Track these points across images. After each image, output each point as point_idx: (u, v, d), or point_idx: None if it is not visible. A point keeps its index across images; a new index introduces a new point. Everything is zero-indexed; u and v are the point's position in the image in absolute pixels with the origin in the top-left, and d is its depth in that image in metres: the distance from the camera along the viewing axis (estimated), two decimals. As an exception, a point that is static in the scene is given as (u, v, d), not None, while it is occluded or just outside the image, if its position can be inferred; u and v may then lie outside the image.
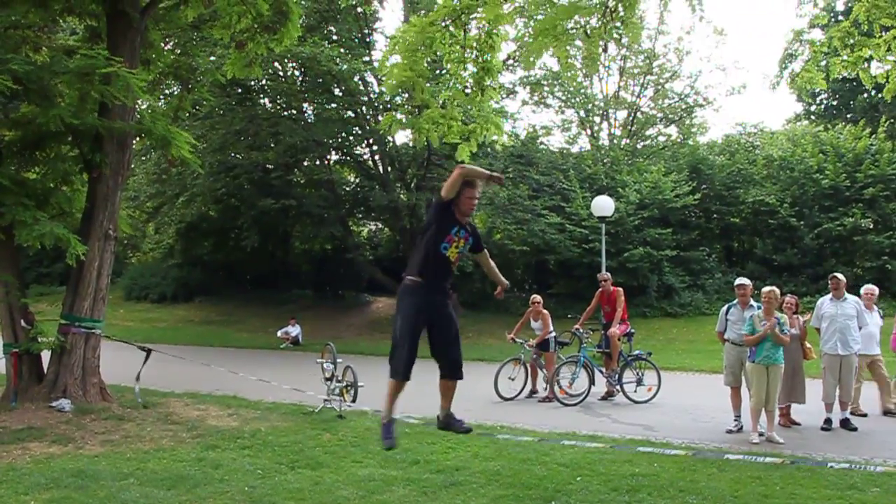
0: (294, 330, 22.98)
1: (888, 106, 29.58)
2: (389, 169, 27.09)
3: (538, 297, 13.33)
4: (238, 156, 25.93)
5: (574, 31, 7.98)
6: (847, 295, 10.57)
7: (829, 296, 10.63)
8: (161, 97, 15.49)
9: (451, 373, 6.20)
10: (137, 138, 11.88)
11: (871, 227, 27.67)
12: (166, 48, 13.81)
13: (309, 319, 25.36)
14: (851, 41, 9.22)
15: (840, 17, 29.62)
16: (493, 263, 6.51)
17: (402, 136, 26.41)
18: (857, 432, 9.96)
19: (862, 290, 11.36)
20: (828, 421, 10.21)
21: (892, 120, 30.06)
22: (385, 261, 30.74)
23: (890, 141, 28.49)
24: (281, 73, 24.99)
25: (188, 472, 7.19)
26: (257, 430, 9.37)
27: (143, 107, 13.39)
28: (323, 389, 11.04)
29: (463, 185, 5.83)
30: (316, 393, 11.38)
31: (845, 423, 10.21)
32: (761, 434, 9.37)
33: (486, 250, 6.44)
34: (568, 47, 8.16)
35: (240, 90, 23.94)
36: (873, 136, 28.68)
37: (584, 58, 13.92)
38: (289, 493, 6.59)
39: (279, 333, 22.99)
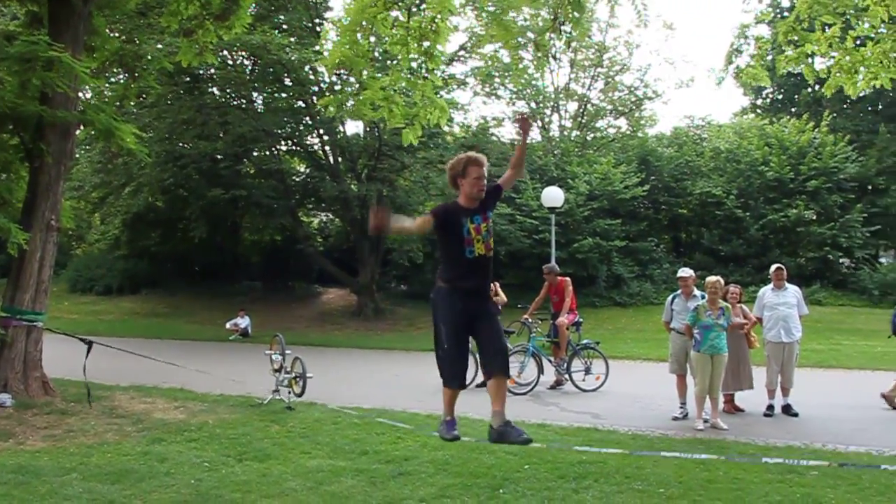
0: (243, 321, 22.76)
1: (831, 100, 30.22)
2: (340, 159, 26.93)
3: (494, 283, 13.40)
4: (186, 145, 25.55)
5: (526, 24, 8.02)
6: (788, 285, 10.80)
7: (771, 286, 10.85)
8: (106, 85, 15.18)
9: (499, 366, 5.55)
10: (81, 127, 11.65)
11: (814, 218, 28.35)
12: (112, 35, 13.54)
13: (258, 311, 25.16)
14: (795, 37, 9.40)
15: (785, 13, 30.18)
16: (520, 158, 5.72)
17: (353, 127, 26.34)
18: (798, 417, 10.20)
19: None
20: (770, 407, 10.45)
21: (834, 114, 30.73)
22: (336, 252, 30.64)
23: (832, 135, 29.18)
24: (230, 62, 24.66)
25: (133, 466, 7.10)
26: (204, 422, 9.28)
27: (89, 95, 13.13)
28: (272, 381, 10.97)
29: (466, 165, 5.28)
30: (265, 385, 11.31)
31: (787, 409, 10.44)
32: (706, 421, 9.55)
33: (507, 179, 5.74)
34: (520, 39, 8.19)
35: (188, 79, 23.56)
36: (816, 129, 29.35)
37: (534, 50, 13.99)
38: (236, 486, 6.54)
39: (228, 325, 22.75)
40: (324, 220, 33.92)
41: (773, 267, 10.91)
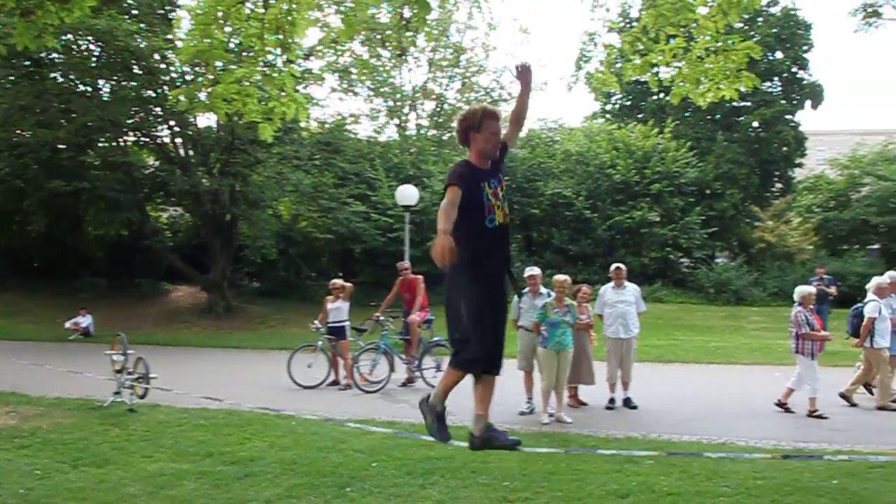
0: (84, 320, 21.73)
1: (674, 108, 31.78)
2: (191, 152, 26.08)
3: (338, 281, 13.36)
4: (24, 133, 24.08)
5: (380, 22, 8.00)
6: (627, 283, 11.28)
7: (611, 284, 11.31)
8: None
9: (492, 365, 4.90)
10: None
11: (657, 220, 29.74)
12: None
13: (102, 309, 24.03)
14: (640, 46, 9.78)
15: (634, 23, 31.52)
16: (521, 111, 5.12)
17: (206, 119, 25.55)
18: (637, 410, 10.68)
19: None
20: (611, 400, 10.90)
21: (677, 122, 32.29)
22: (185, 248, 29.62)
23: (675, 141, 30.67)
24: (74, 47, 23.42)
25: (-45, 476, 6.68)
26: (38, 427, 8.83)
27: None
28: (114, 383, 10.53)
29: (483, 117, 4.69)
30: (106, 387, 10.84)
31: (627, 402, 10.92)
32: (551, 415, 9.86)
33: (510, 135, 5.07)
34: (374, 35, 8.16)
35: (27, 62, 22.22)
36: (661, 135, 30.79)
37: (392, 48, 14.00)
38: (70, 493, 6.26)
39: (68, 324, 21.64)
40: (173, 215, 32.74)
41: (613, 266, 11.40)
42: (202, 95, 9.43)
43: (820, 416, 9.99)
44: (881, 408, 10.80)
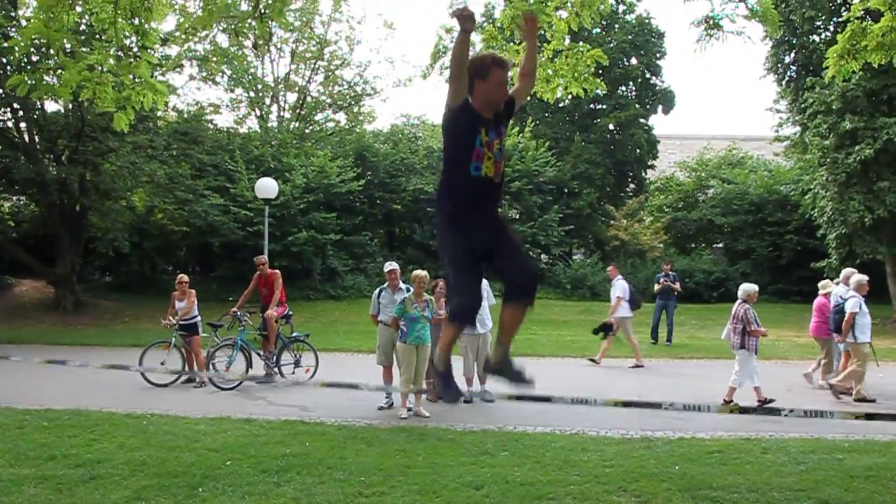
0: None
1: (533, 108, 32.52)
2: (37, 138, 24.69)
3: (185, 277, 13.00)
4: None
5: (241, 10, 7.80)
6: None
7: None
8: None
9: (524, 289, 4.39)
10: None
11: (517, 217, 30.37)
12: None
13: (-66, 305, 22.53)
14: (495, 45, 9.94)
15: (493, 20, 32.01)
16: (531, 64, 4.68)
17: (53, 104, 24.24)
18: (493, 403, 10.87)
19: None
20: (469, 394, 11.04)
21: (537, 121, 33.03)
22: (30, 239, 28.01)
23: (534, 140, 31.39)
24: None
25: None
26: None
27: None
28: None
29: (491, 65, 4.24)
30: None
31: (484, 396, 11.07)
32: (410, 409, 9.92)
33: (520, 90, 4.66)
34: (230, 24, 7.93)
35: None
36: (521, 134, 31.42)
37: (247, 38, 13.67)
38: None
39: None
40: (17, 205, 30.92)
41: None
42: (50, 79, 8.93)
43: (769, 401, 10.50)
44: (832, 387, 11.62)
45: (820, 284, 13.09)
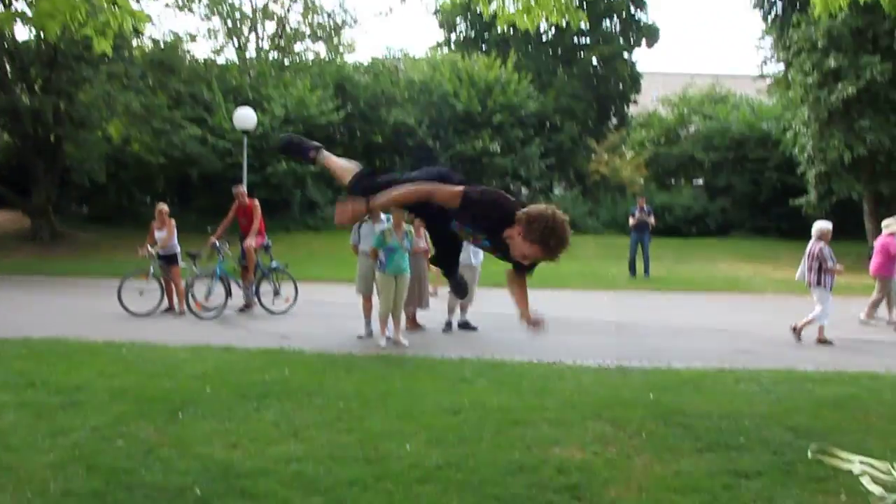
0: None
1: (517, 41, 32.17)
2: (9, 68, 24.18)
3: (164, 206, 12.78)
4: None
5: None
6: None
7: None
8: None
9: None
10: None
11: (498, 150, 30.26)
12: None
13: None
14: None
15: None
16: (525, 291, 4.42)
17: (24, 32, 23.71)
18: (476, 331, 10.98)
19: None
20: (448, 324, 11.14)
21: (519, 54, 32.70)
22: (4, 170, 27.67)
23: (517, 73, 31.10)
24: None
25: None
26: None
27: None
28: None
29: (548, 238, 3.74)
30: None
31: (466, 325, 11.20)
32: (389, 338, 9.99)
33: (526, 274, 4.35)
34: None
35: None
36: (503, 67, 31.11)
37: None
38: None
39: None
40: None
41: None
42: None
43: (829, 342, 10.45)
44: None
45: (884, 224, 12.95)
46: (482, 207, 3.81)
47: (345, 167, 4.46)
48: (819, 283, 10.71)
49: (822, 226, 11.04)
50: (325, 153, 4.54)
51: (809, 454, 5.41)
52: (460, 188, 3.82)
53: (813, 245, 10.85)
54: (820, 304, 10.67)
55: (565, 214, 3.80)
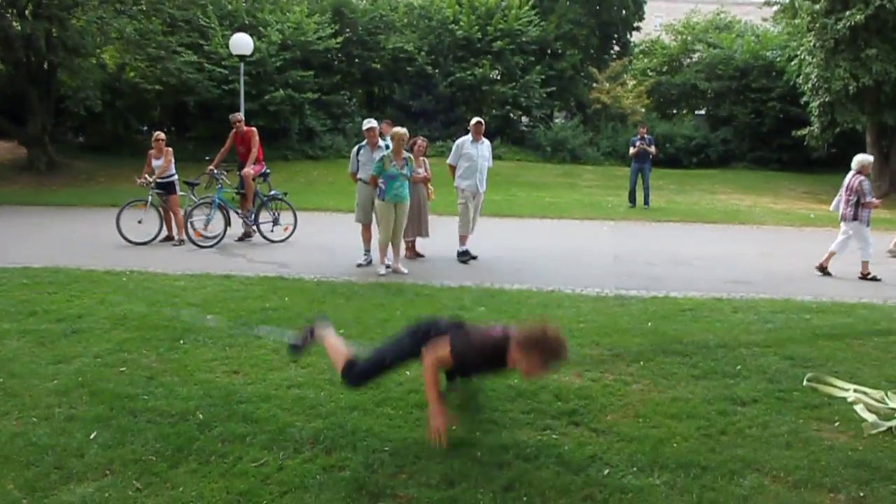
0: None
1: (518, -36, 31.46)
2: (-3, -9, 23.67)
3: (161, 134, 12.65)
4: None
5: None
6: (483, 139, 11.26)
7: (469, 137, 11.15)
8: None
9: None
10: None
11: (498, 78, 29.91)
12: None
13: None
14: None
15: None
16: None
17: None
18: (477, 260, 10.98)
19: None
20: (465, 252, 11.09)
21: (520, -22, 32.09)
22: (-2, 99, 27.32)
23: (517, -1, 30.56)
24: None
25: None
26: None
27: None
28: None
29: (553, 359, 3.93)
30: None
31: (465, 254, 11.14)
32: (388, 266, 10.00)
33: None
34: None
35: None
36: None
37: None
38: None
39: None
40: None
41: (474, 120, 11.09)
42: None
43: (874, 279, 10.23)
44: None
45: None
46: (473, 359, 4.10)
47: (338, 350, 4.67)
48: (856, 217, 10.45)
49: (862, 158, 10.70)
50: (323, 331, 4.94)
51: (805, 382, 5.49)
52: (447, 350, 4.05)
53: (852, 178, 10.53)
54: (858, 240, 10.45)
55: (556, 330, 3.96)
